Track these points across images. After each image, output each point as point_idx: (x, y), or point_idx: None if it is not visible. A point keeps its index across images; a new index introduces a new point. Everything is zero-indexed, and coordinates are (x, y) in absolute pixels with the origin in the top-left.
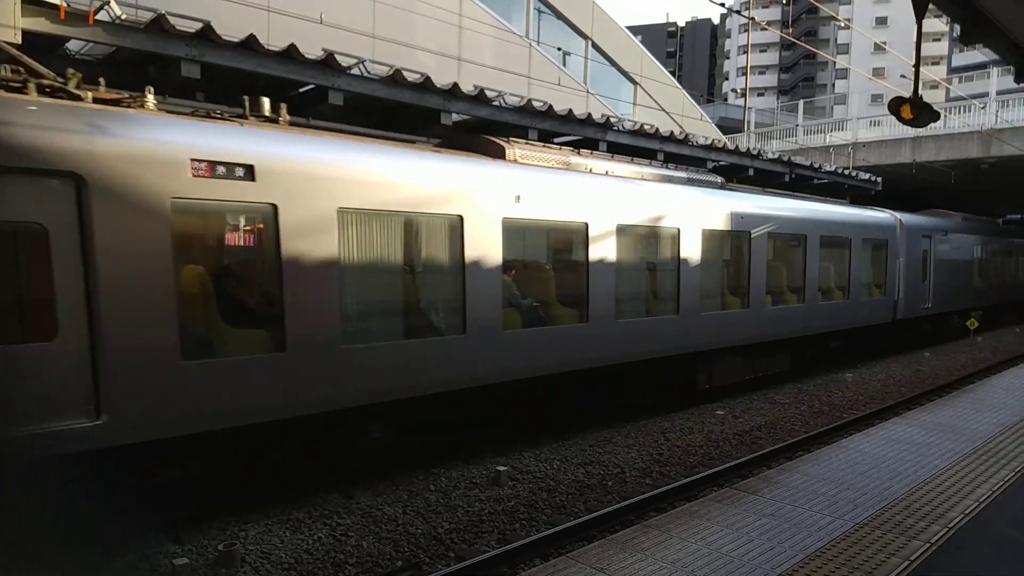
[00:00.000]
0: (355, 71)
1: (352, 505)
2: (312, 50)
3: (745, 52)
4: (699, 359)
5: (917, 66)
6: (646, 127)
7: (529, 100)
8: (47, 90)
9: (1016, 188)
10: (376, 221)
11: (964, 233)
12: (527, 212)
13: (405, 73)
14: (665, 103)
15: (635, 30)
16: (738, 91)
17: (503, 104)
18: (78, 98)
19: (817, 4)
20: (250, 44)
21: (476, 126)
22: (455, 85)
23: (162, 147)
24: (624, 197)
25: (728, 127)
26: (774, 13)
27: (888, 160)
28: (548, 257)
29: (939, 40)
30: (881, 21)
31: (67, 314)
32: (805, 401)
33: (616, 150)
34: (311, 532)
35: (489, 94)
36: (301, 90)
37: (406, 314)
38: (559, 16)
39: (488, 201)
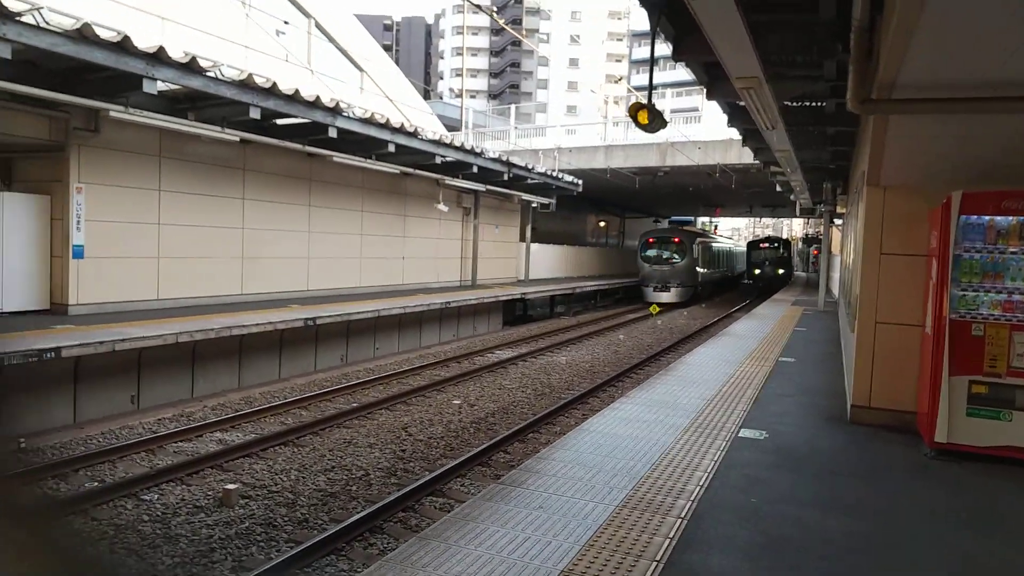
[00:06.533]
0: (28, 19)
1: None
2: None
3: (459, 54)
4: None
5: (651, 79)
6: (377, 116)
7: (251, 74)
8: None
9: (681, 193)
10: None
11: None
12: None
13: (98, 29)
14: (392, 95)
15: None
16: (454, 91)
17: (220, 76)
18: None
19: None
20: None
21: (186, 98)
22: (161, 48)
23: None
24: None
25: (446, 125)
26: (485, 19)
27: (587, 165)
28: None
29: (621, 40)
30: (575, 39)
31: None
32: (529, 385)
33: (346, 136)
34: None
35: (203, 63)
36: None
37: None
38: None
39: None
